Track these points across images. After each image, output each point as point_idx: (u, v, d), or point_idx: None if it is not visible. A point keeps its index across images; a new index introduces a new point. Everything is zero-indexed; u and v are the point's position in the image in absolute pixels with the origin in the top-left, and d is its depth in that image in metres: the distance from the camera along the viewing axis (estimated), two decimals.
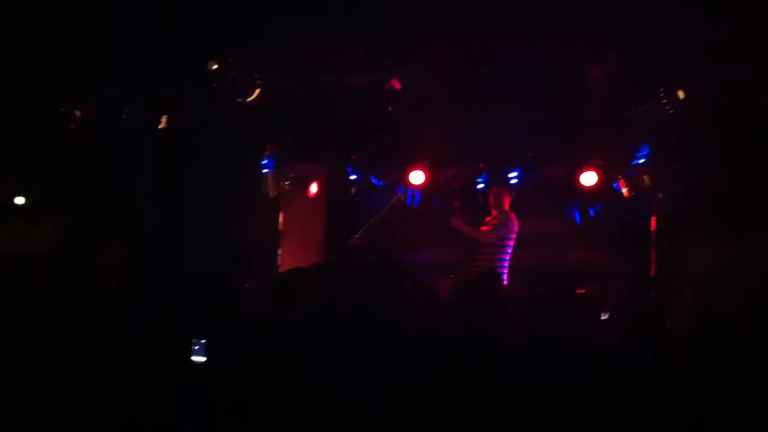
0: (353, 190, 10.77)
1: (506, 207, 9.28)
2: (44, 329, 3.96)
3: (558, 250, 9.47)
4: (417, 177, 9.80)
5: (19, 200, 9.49)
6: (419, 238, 10.72)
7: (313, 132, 9.55)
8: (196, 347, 4.50)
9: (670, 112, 7.38)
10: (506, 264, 8.94)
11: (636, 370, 3.86)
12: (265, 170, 9.97)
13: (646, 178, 8.72)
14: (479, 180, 10.09)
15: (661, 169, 8.52)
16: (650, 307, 4.58)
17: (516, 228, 9.09)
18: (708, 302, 4.48)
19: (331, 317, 4.23)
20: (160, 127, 8.61)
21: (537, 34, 6.99)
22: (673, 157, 8.10)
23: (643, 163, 8.76)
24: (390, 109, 8.52)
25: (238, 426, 3.78)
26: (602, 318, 4.81)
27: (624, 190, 8.99)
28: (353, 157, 10.41)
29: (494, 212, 9.30)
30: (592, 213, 9.91)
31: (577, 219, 10.04)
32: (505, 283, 8.52)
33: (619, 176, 9.03)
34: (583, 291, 6.39)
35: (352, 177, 10.57)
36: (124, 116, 8.48)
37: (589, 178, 9.15)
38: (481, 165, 10.01)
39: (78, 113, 8.47)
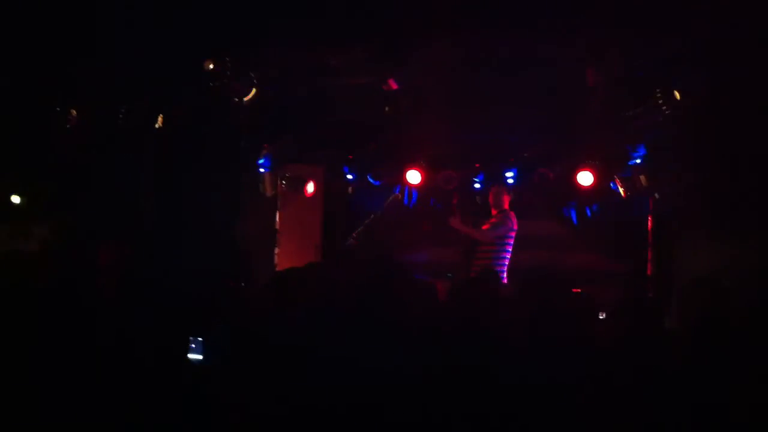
0: (350, 190, 10.78)
1: (506, 206, 9.29)
2: (43, 329, 3.95)
3: (555, 250, 9.49)
4: (414, 177, 9.81)
5: (16, 199, 9.48)
6: (417, 238, 10.73)
7: (311, 132, 9.55)
8: (193, 345, 4.50)
9: (667, 112, 7.38)
10: (506, 263, 8.95)
11: (636, 370, 3.85)
12: (262, 170, 9.96)
13: (642, 178, 8.73)
14: (476, 180, 10.11)
15: (658, 170, 8.54)
16: (647, 307, 4.57)
17: (515, 227, 9.10)
18: (708, 302, 4.47)
19: (330, 317, 4.22)
20: (156, 126, 8.60)
21: (535, 34, 6.98)
22: (670, 157, 8.11)
23: (639, 163, 8.77)
24: (387, 109, 8.52)
25: (238, 426, 3.77)
26: (600, 318, 4.81)
27: (621, 190, 9.01)
28: (350, 156, 10.42)
29: (494, 212, 9.32)
30: (589, 213, 9.92)
31: (574, 219, 10.05)
32: (505, 281, 8.53)
33: (616, 176, 9.05)
34: (579, 290, 6.42)
35: (349, 177, 10.58)
36: (121, 116, 8.47)
37: (585, 178, 9.16)
38: (477, 165, 10.03)
39: (75, 113, 8.45)
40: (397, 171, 9.96)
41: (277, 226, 10.65)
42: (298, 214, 10.69)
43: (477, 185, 10.20)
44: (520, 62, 7.38)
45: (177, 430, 3.69)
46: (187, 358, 4.21)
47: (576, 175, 9.17)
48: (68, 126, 8.45)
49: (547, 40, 7.00)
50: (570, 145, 9.01)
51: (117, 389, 3.68)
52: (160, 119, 8.66)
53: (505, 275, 8.76)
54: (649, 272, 8.93)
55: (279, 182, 10.30)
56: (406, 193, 10.53)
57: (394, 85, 7.88)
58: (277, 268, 9.97)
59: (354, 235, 10.00)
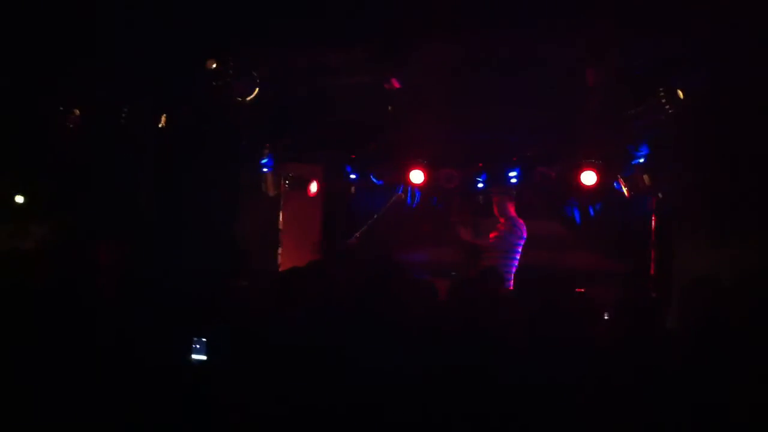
0: (352, 190, 10.77)
1: (512, 213, 9.32)
2: (43, 329, 3.95)
3: (556, 250, 9.48)
4: (417, 176, 9.80)
5: (19, 199, 9.48)
6: (419, 237, 10.73)
7: (313, 131, 9.55)
8: (196, 346, 4.50)
9: (670, 111, 7.37)
10: (513, 270, 8.98)
11: (636, 370, 3.85)
12: (264, 169, 9.96)
13: (645, 177, 8.72)
14: (479, 179, 10.10)
15: (661, 169, 8.52)
16: (649, 307, 4.57)
17: (524, 234, 9.15)
18: (708, 302, 4.47)
19: (330, 317, 4.22)
20: (159, 125, 8.60)
21: (535, 34, 6.97)
22: (673, 156, 8.10)
23: (642, 162, 8.76)
24: (389, 108, 8.51)
25: (238, 426, 3.78)
26: (605, 318, 4.80)
27: (624, 190, 8.99)
28: (353, 156, 10.42)
29: (501, 219, 9.33)
30: (591, 212, 9.90)
31: (577, 218, 10.03)
32: (510, 287, 8.51)
33: (619, 176, 9.04)
34: (582, 290, 6.42)
35: (352, 176, 10.57)
36: (123, 115, 8.47)
37: (589, 178, 9.14)
38: (480, 164, 10.02)
39: (77, 112, 8.46)
40: (400, 170, 9.95)
41: (280, 226, 10.66)
42: (300, 214, 10.70)
43: (480, 185, 10.19)
44: (521, 62, 7.37)
45: (177, 430, 3.70)
46: (187, 358, 4.23)
47: (579, 174, 9.16)
48: (70, 125, 8.45)
49: (547, 40, 6.99)
50: (572, 144, 8.99)
51: (117, 389, 3.68)
52: (163, 119, 8.66)
53: (511, 281, 8.77)
54: (651, 272, 8.91)
55: (282, 182, 10.30)
56: (409, 193, 10.51)
57: (396, 84, 7.86)
58: (281, 268, 9.98)
59: (357, 234, 9.99)
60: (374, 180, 10.36)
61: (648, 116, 7.65)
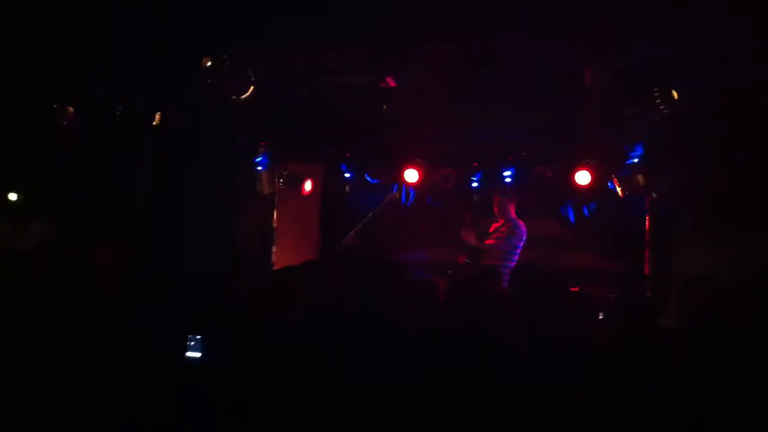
0: (348, 189, 10.77)
1: (512, 214, 9.33)
2: (42, 329, 3.94)
3: (553, 249, 9.49)
4: (411, 175, 9.81)
5: (12, 196, 9.45)
6: (415, 236, 10.74)
7: (308, 130, 9.54)
8: (192, 343, 4.50)
9: (665, 111, 7.38)
10: (509, 270, 8.99)
11: (635, 369, 3.85)
12: (259, 168, 9.95)
13: (640, 177, 8.73)
14: (474, 179, 10.11)
15: (656, 169, 8.53)
16: (645, 307, 4.57)
17: (524, 236, 9.16)
18: (708, 302, 4.48)
19: (329, 317, 4.22)
20: (153, 123, 8.59)
21: (534, 33, 6.97)
22: (669, 156, 8.11)
23: (637, 162, 8.77)
24: (385, 107, 8.51)
25: (238, 426, 3.77)
26: (599, 317, 4.81)
27: (618, 190, 9.00)
28: (348, 155, 10.42)
29: (501, 220, 9.34)
30: (586, 212, 9.92)
31: (572, 218, 10.05)
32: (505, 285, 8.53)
33: (614, 176, 9.05)
34: (577, 289, 6.42)
35: (347, 175, 10.57)
36: (118, 113, 8.45)
37: (583, 178, 9.16)
38: (476, 164, 10.03)
39: (71, 110, 8.43)
40: (395, 170, 9.96)
41: (275, 225, 10.65)
42: (295, 213, 10.69)
43: (475, 184, 10.20)
44: (519, 62, 7.37)
45: (177, 430, 3.69)
46: (186, 357, 4.22)
47: (573, 174, 9.18)
48: (65, 123, 8.43)
49: (544, 40, 6.99)
50: (568, 144, 9.00)
51: (117, 389, 3.67)
52: (157, 117, 8.64)
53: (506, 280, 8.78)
54: (647, 272, 8.93)
55: (276, 180, 10.29)
56: (403, 191, 10.52)
57: (392, 83, 7.86)
58: (275, 267, 9.97)
59: (352, 233, 9.99)
60: (369, 179, 10.36)
61: (644, 116, 7.65)
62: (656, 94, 7.34)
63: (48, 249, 5.09)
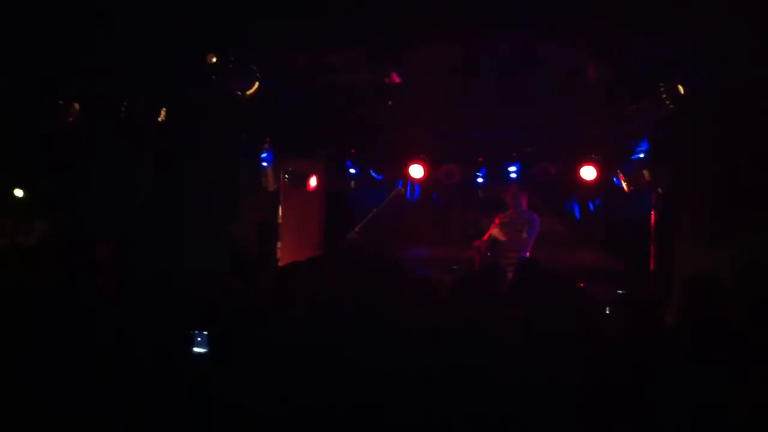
0: (352, 184, 10.77)
1: (524, 206, 9.30)
2: (42, 328, 3.95)
3: (556, 247, 9.48)
4: (417, 171, 9.81)
5: (18, 193, 9.47)
6: (420, 232, 10.75)
7: (313, 126, 9.54)
8: (198, 339, 4.50)
9: (670, 107, 7.35)
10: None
11: (636, 369, 3.84)
12: (264, 164, 9.95)
13: (645, 173, 8.71)
14: (479, 174, 10.11)
15: (662, 164, 8.52)
16: (648, 305, 4.56)
17: (538, 227, 9.15)
18: (708, 301, 4.46)
19: (330, 317, 4.22)
20: (159, 119, 8.58)
21: (534, 33, 6.95)
22: (673, 152, 8.09)
23: (643, 158, 8.75)
24: (390, 103, 8.50)
25: (238, 426, 3.78)
26: (603, 314, 4.79)
27: (624, 185, 8.99)
28: (353, 151, 10.42)
29: (511, 210, 9.32)
30: (591, 207, 9.92)
31: (577, 213, 10.05)
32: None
33: (619, 171, 9.04)
34: (582, 285, 6.42)
35: (352, 171, 10.57)
36: (123, 109, 8.44)
37: (588, 173, 9.15)
38: (480, 159, 10.02)
39: (76, 106, 8.44)
40: (400, 165, 9.96)
41: (280, 221, 10.66)
42: (299, 209, 10.70)
43: (479, 179, 10.20)
44: (521, 61, 7.35)
45: (177, 430, 3.70)
46: (188, 355, 4.23)
47: (578, 169, 9.17)
48: (69, 120, 8.43)
49: (547, 39, 6.97)
50: (572, 139, 8.99)
51: (117, 389, 3.68)
52: (162, 113, 8.64)
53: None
54: (651, 267, 8.91)
55: (282, 176, 10.30)
56: (408, 187, 10.53)
57: (397, 79, 7.84)
58: (280, 263, 9.98)
59: (357, 229, 9.99)
60: (374, 175, 10.37)
61: (648, 112, 7.62)
62: (662, 89, 7.30)
63: (49, 247, 5.09)
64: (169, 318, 3.94)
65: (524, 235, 9.11)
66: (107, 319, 4.06)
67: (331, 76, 8.05)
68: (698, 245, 7.13)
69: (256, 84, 8.05)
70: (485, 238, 9.31)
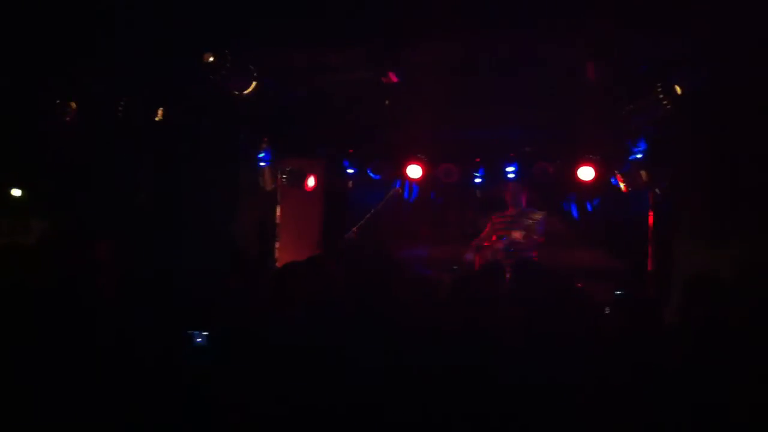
0: (350, 184, 10.77)
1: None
2: (42, 328, 3.94)
3: (554, 246, 9.49)
4: (414, 171, 9.81)
5: (16, 192, 9.46)
6: (418, 232, 10.75)
7: (310, 126, 9.53)
8: (199, 339, 4.49)
9: (668, 107, 7.36)
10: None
11: (635, 369, 3.85)
12: (262, 164, 9.95)
13: (643, 173, 8.72)
14: (477, 174, 10.12)
15: (659, 165, 8.53)
16: (647, 305, 4.56)
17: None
18: (708, 301, 4.47)
19: (330, 317, 4.22)
20: (156, 119, 8.58)
21: (536, 33, 6.96)
22: (671, 152, 8.10)
23: (640, 158, 8.76)
24: (387, 102, 8.50)
25: (238, 426, 3.77)
26: (602, 314, 4.80)
27: (621, 185, 9.00)
28: (351, 151, 10.42)
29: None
30: (589, 207, 9.93)
31: (575, 213, 10.05)
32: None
33: (617, 171, 9.04)
34: (581, 285, 6.42)
35: (350, 171, 10.57)
36: (120, 109, 8.44)
37: (586, 173, 9.16)
38: (478, 159, 10.03)
39: (73, 105, 8.42)
40: (398, 165, 9.96)
41: (278, 220, 10.65)
42: (298, 208, 10.70)
43: (478, 180, 10.21)
44: (520, 61, 7.35)
45: (177, 430, 3.70)
46: (187, 358, 4.22)
47: (576, 169, 9.18)
48: (68, 119, 8.42)
49: (547, 39, 6.97)
50: (570, 139, 8.99)
51: (117, 389, 3.68)
52: (159, 112, 8.63)
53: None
54: (649, 268, 8.92)
55: (279, 176, 10.29)
56: (406, 187, 10.53)
57: (394, 78, 7.85)
58: (278, 263, 9.97)
59: (355, 229, 9.99)
60: (372, 175, 10.37)
61: (646, 112, 7.63)
62: (659, 89, 7.31)
63: (49, 247, 5.07)
64: (169, 318, 3.93)
65: (535, 237, 9.14)
66: (107, 319, 4.06)
67: (329, 76, 8.05)
68: (698, 245, 7.14)
69: (254, 84, 8.05)
70: (484, 235, 9.33)
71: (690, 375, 3.76)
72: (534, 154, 9.62)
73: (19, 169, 9.00)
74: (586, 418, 3.61)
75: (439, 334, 4.13)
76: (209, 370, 4.05)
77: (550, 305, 4.39)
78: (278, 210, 10.64)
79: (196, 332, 4.47)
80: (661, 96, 7.32)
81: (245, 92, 8.13)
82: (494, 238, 9.27)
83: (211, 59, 7.76)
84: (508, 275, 6.17)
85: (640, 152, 8.70)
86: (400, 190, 10.53)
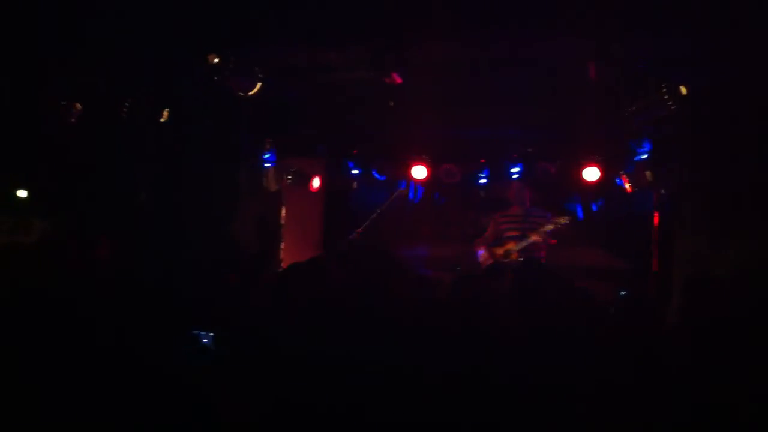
0: (354, 185, 10.77)
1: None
2: (41, 327, 3.95)
3: (557, 246, 9.48)
4: (419, 172, 9.82)
5: (22, 193, 9.49)
6: (422, 232, 10.76)
7: (315, 126, 9.55)
8: (205, 340, 4.50)
9: (672, 107, 7.35)
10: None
11: (637, 369, 3.84)
12: (266, 164, 9.96)
13: (647, 173, 8.71)
14: (481, 175, 10.12)
15: (663, 165, 8.52)
16: (649, 305, 4.56)
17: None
18: (709, 301, 4.46)
19: (330, 316, 4.22)
20: (161, 120, 8.59)
21: (539, 33, 6.96)
22: (675, 152, 8.09)
23: (645, 158, 8.75)
24: (391, 103, 8.51)
25: (238, 426, 3.78)
26: (605, 315, 4.80)
27: (626, 186, 9.00)
28: (355, 151, 10.42)
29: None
30: (594, 208, 9.92)
31: (580, 214, 10.05)
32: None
33: (621, 172, 9.04)
34: (584, 285, 6.41)
35: (354, 171, 10.57)
36: (125, 109, 8.45)
37: (591, 174, 9.16)
38: (482, 160, 10.03)
39: (78, 106, 8.45)
40: (402, 166, 9.97)
41: (282, 221, 10.66)
42: (300, 208, 10.70)
43: (482, 180, 10.21)
44: (523, 60, 7.35)
45: (177, 430, 3.70)
46: (187, 358, 4.23)
47: (581, 170, 9.18)
48: (72, 120, 8.44)
49: (548, 39, 6.97)
50: (573, 140, 9.00)
51: (117, 389, 3.68)
52: (165, 113, 8.65)
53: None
54: (654, 268, 8.91)
55: (284, 177, 10.30)
56: (411, 188, 10.54)
57: (397, 79, 7.86)
58: (283, 263, 9.99)
59: (359, 230, 9.99)
60: (376, 175, 10.38)
61: (650, 112, 7.62)
62: (663, 89, 7.30)
63: (49, 246, 5.09)
64: (169, 318, 3.94)
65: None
66: (107, 319, 4.06)
67: (333, 76, 8.05)
68: (699, 245, 7.12)
69: (258, 85, 8.06)
70: (487, 234, 9.33)
71: (690, 375, 3.76)
72: (537, 154, 9.62)
73: (22, 169, 9.02)
74: (586, 418, 3.61)
75: (439, 334, 4.13)
76: (209, 370, 4.06)
77: (551, 305, 4.38)
78: (283, 211, 10.65)
79: (202, 333, 4.47)
80: (666, 96, 7.31)
81: (249, 93, 8.14)
82: (506, 236, 9.24)
83: (216, 60, 7.77)
84: (509, 275, 6.17)
85: (644, 153, 8.69)
86: (406, 191, 10.53)
